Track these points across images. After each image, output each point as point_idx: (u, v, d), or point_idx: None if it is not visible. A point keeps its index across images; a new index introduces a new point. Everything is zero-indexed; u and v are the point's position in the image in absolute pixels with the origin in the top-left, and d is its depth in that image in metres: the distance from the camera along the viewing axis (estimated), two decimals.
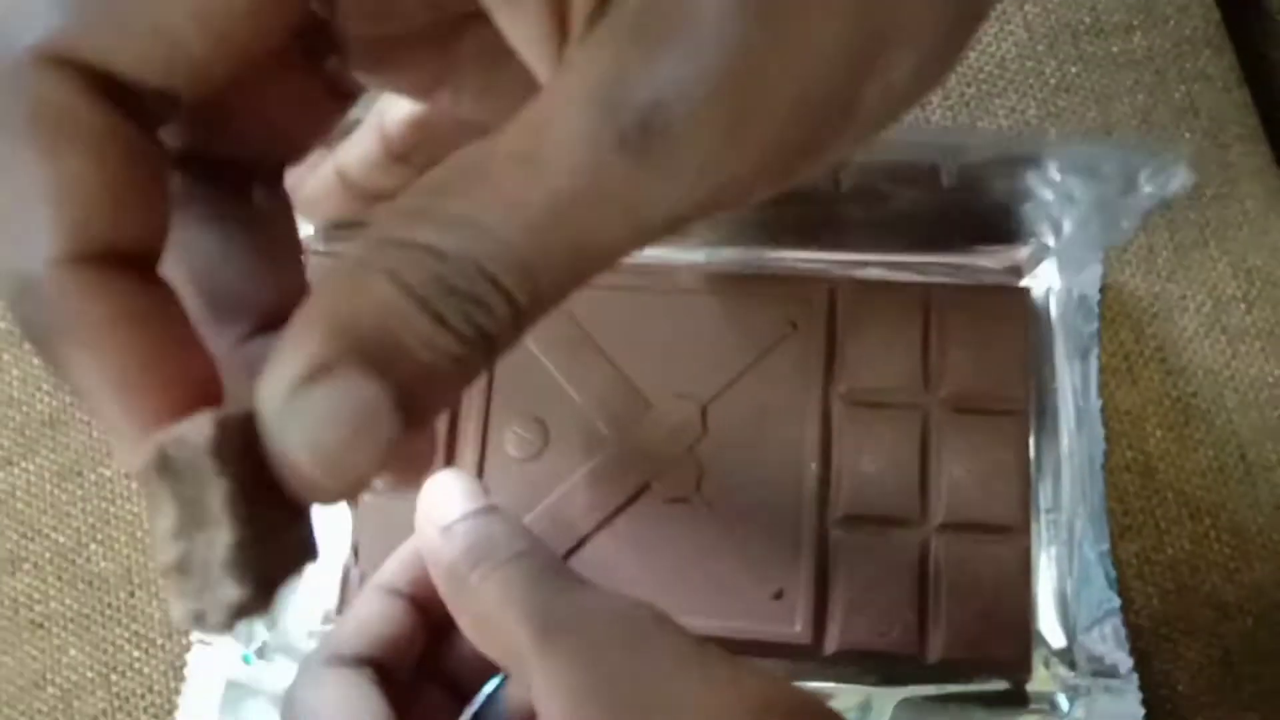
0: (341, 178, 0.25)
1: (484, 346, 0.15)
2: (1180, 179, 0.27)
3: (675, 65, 0.15)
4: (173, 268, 0.18)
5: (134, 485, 0.35)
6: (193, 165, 0.18)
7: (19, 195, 0.16)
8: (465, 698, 0.25)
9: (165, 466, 0.15)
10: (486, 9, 0.16)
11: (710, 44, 0.15)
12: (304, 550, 0.17)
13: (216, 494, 0.15)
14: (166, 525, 0.15)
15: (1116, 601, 0.30)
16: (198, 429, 0.15)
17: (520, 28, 0.16)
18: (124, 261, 0.16)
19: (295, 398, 0.14)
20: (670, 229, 0.16)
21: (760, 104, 0.15)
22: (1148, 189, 0.28)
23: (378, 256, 0.15)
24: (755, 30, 0.15)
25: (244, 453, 0.15)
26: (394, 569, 0.25)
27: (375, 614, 0.24)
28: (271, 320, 0.19)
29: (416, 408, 0.15)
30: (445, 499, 0.24)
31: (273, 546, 0.15)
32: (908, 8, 0.15)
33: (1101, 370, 0.32)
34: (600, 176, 0.15)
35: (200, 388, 0.16)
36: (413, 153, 0.24)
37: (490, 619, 0.22)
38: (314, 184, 0.26)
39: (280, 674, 0.32)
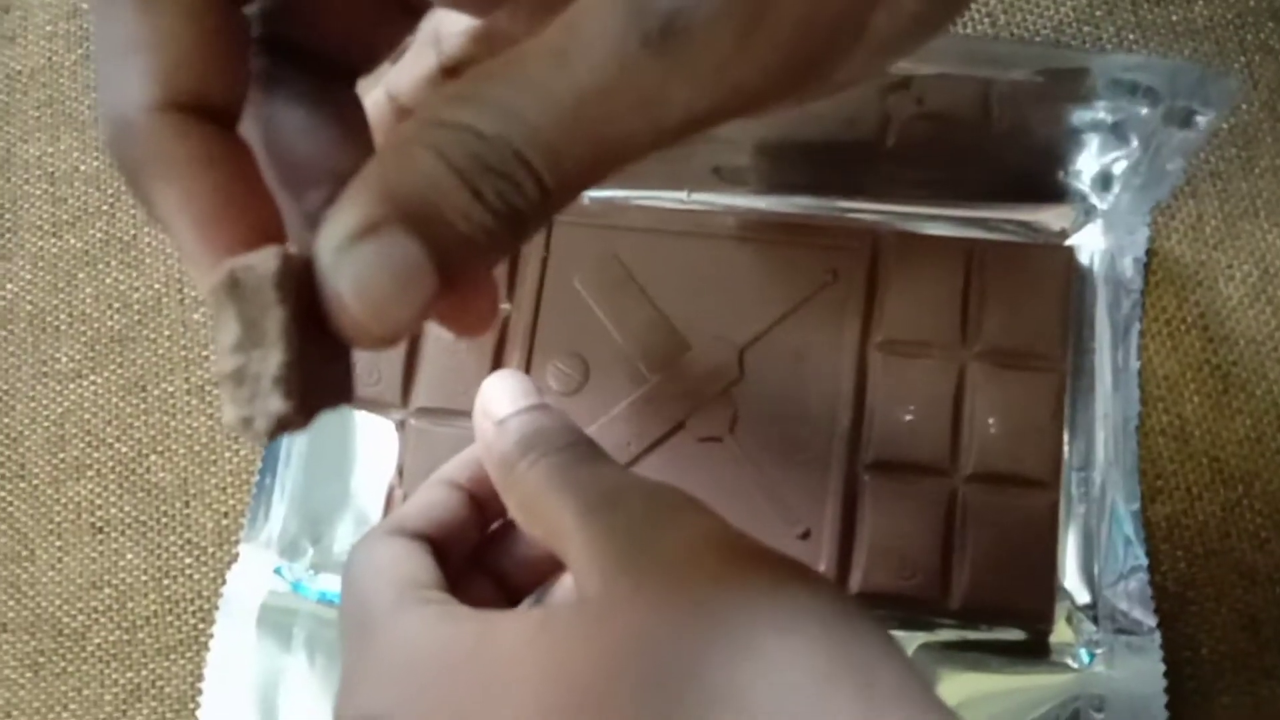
0: (391, 101, 0.26)
1: (514, 224, 0.17)
2: (1230, 92, 0.27)
3: None
4: (259, 139, 0.20)
5: (194, 402, 0.37)
6: (282, 50, 0.20)
7: (121, 48, 0.18)
8: (512, 595, 0.26)
9: (234, 288, 0.17)
10: None
11: None
12: (342, 388, 0.19)
13: (274, 319, 0.17)
14: (228, 340, 0.17)
15: (1143, 560, 0.31)
16: (265, 259, 0.17)
17: None
18: (207, 114, 0.18)
19: (347, 248, 0.16)
20: (686, 130, 0.17)
21: (770, 17, 0.16)
22: (1198, 112, 0.28)
23: (425, 133, 0.17)
24: None
25: (301, 290, 0.17)
26: (455, 465, 0.27)
27: (436, 500, 0.26)
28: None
29: (452, 271, 0.17)
30: (501, 395, 0.25)
31: (316, 376, 0.17)
32: None
33: (1142, 334, 0.32)
34: (624, 72, 0.16)
35: (266, 228, 0.18)
36: (466, 67, 0.25)
37: (537, 501, 0.23)
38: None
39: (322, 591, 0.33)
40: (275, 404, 0.17)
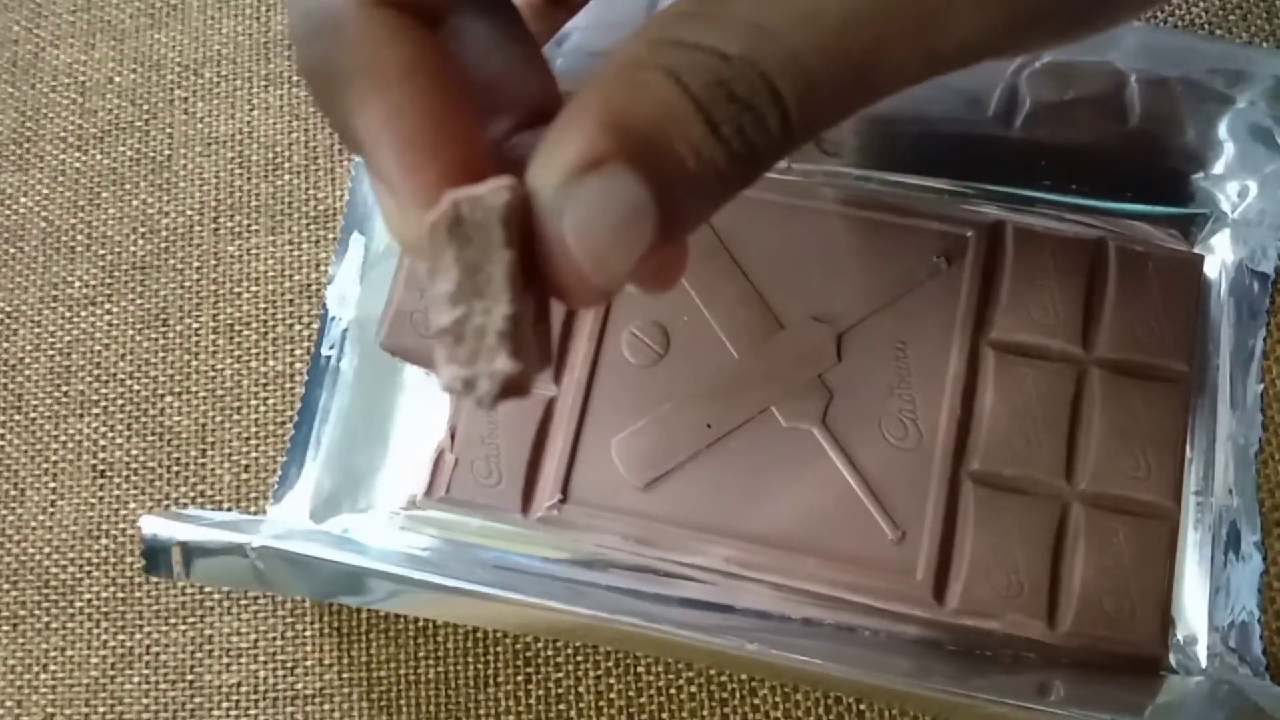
0: None
1: (747, 165, 0.15)
2: None
3: None
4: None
5: (220, 342, 0.33)
6: None
7: None
8: None
9: (456, 225, 0.15)
10: None
11: None
12: (547, 352, 0.16)
13: (501, 263, 0.14)
14: (446, 289, 0.15)
15: (1257, 596, 0.28)
16: (495, 193, 0.14)
17: None
18: (420, 13, 0.16)
19: (569, 185, 0.14)
20: (954, 64, 0.15)
21: None
22: None
23: (657, 54, 0.15)
24: None
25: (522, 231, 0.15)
26: None
27: None
28: (532, 120, 0.18)
29: (674, 218, 0.15)
30: None
31: (532, 334, 0.15)
32: None
33: (1266, 355, 0.30)
34: None
35: (478, 158, 0.16)
36: None
37: None
38: None
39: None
40: (502, 363, 0.15)
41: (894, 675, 0.25)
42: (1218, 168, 0.30)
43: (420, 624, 0.30)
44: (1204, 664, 0.28)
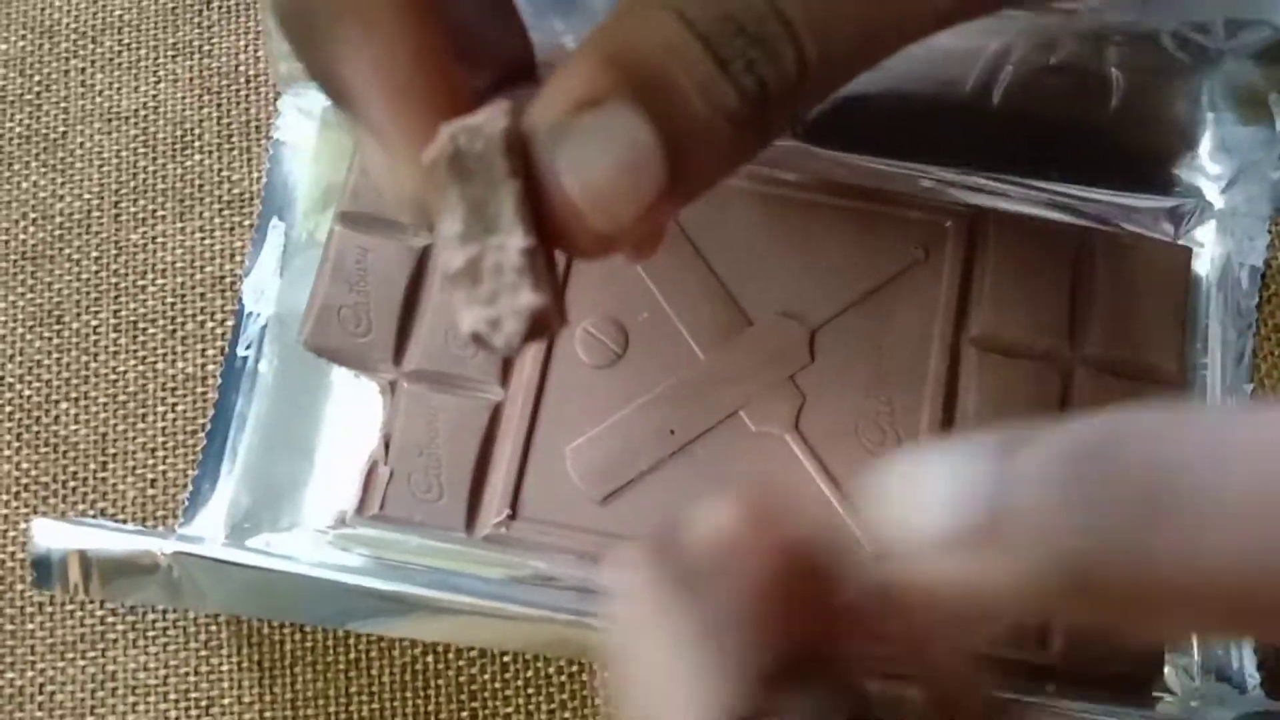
0: None
1: (760, 110, 0.14)
2: None
3: None
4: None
5: (123, 341, 0.30)
6: None
7: None
8: None
9: (455, 161, 0.14)
10: None
11: None
12: (561, 298, 0.15)
13: (509, 195, 0.14)
14: (455, 229, 0.14)
15: None
16: (493, 120, 0.14)
17: None
18: None
19: (566, 123, 0.14)
20: (954, 18, 0.15)
21: None
22: None
23: None
24: None
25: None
26: None
27: None
28: (508, 77, 0.18)
29: (684, 165, 0.14)
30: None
31: (551, 267, 0.15)
32: None
33: (1255, 353, 0.29)
34: None
35: (472, 102, 0.15)
36: None
37: None
38: None
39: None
40: (525, 297, 0.14)
41: None
42: (1203, 150, 0.29)
43: (352, 656, 0.27)
44: (1197, 680, 0.26)
